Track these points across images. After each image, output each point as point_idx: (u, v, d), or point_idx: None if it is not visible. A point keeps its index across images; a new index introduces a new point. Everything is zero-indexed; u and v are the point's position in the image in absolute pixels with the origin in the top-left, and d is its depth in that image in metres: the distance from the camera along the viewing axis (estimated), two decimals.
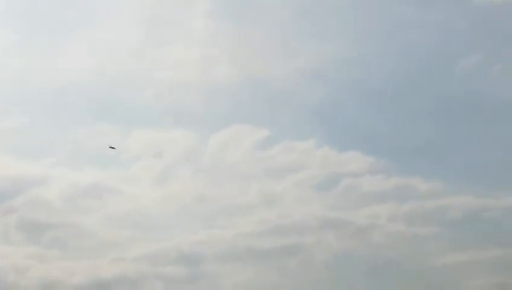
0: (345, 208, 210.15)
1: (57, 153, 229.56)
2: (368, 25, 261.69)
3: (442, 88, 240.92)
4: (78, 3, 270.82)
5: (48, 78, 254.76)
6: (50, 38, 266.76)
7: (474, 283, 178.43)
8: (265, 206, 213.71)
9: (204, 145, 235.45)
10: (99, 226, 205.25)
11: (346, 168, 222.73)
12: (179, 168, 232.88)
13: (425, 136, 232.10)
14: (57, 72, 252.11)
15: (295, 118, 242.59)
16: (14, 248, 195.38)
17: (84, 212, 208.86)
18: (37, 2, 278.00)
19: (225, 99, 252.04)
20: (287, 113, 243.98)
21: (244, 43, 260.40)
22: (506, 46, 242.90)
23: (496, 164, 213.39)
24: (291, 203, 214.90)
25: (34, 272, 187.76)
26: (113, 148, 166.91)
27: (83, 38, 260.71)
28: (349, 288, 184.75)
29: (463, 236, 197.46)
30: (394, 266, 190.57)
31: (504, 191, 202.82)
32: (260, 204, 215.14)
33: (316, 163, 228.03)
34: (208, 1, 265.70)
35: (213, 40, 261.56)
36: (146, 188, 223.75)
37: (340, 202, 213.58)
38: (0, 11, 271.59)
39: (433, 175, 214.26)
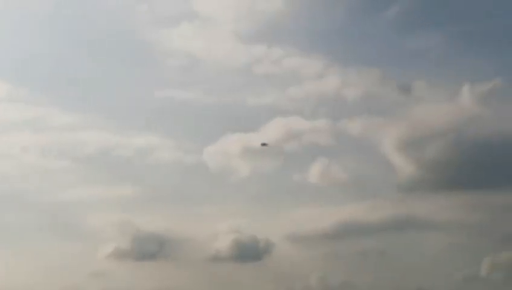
0: None
1: None
2: None
3: (95, 23, 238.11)
4: None
5: None
6: None
7: (98, 216, 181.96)
8: None
9: None
10: None
11: None
12: None
13: (74, 68, 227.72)
14: None
15: None
16: None
17: None
18: None
19: None
20: None
21: None
22: None
23: (132, 103, 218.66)
24: None
25: None
26: (265, 144, 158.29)
27: None
28: None
29: (94, 172, 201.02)
30: (24, 198, 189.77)
31: (136, 131, 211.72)
32: None
33: None
34: None
35: None
36: None
37: None
38: None
39: (72, 108, 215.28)
